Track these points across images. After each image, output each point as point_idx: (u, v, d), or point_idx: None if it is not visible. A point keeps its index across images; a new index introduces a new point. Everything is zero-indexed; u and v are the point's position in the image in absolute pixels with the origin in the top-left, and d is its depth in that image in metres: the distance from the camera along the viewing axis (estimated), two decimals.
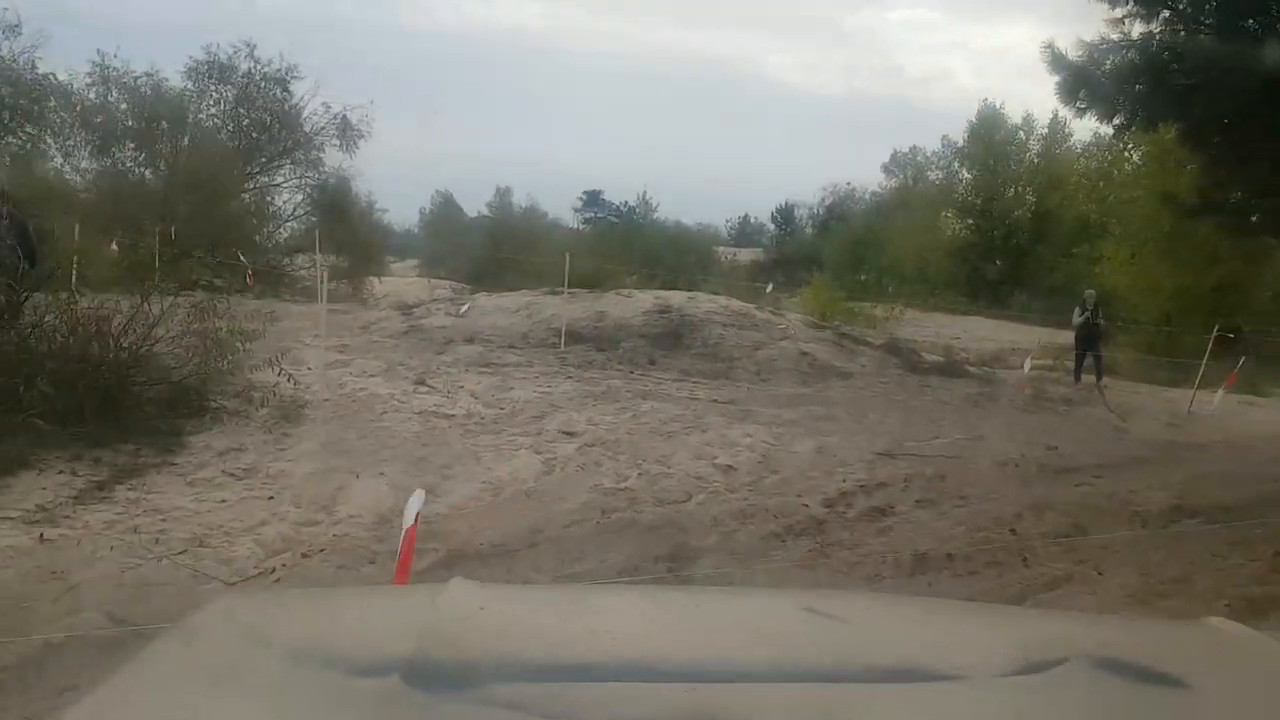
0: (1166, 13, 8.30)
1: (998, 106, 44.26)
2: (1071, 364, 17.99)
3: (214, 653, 1.39)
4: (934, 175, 50.59)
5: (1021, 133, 43.81)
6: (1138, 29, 8.34)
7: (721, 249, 55.04)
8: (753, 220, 76.66)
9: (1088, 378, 16.59)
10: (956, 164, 47.30)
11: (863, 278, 38.85)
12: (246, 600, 1.97)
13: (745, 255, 54.70)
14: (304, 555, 5.84)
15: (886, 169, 55.11)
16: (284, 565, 5.64)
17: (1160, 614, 5.33)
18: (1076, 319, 16.88)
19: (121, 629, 4.66)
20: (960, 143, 46.31)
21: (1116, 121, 8.77)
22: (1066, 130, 42.84)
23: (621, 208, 64.00)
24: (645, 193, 61.20)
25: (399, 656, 1.25)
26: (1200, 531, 7.33)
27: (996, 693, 1.31)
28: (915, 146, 52.90)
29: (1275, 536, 7.11)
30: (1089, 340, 16.74)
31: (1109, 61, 8.16)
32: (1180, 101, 7.82)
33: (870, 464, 8.99)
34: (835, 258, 45.06)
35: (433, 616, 1.49)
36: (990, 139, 43.88)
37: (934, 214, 46.48)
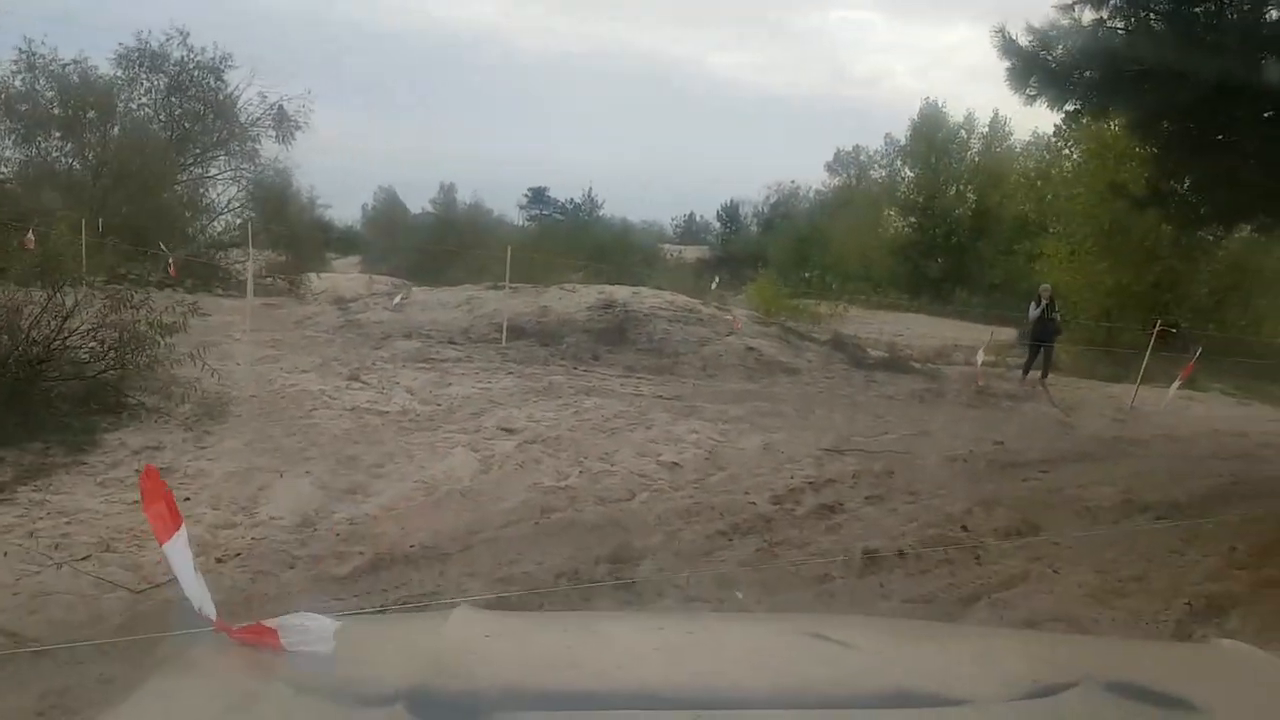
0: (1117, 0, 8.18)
1: (939, 105, 44.64)
2: (1014, 359, 18.00)
3: (219, 683, 1.39)
4: (877, 174, 50.95)
5: (963, 131, 44.24)
6: (1088, 15, 8.21)
7: (667, 246, 55.03)
8: (698, 218, 76.75)
9: (1035, 373, 16.50)
10: (899, 162, 47.60)
11: (807, 275, 39.04)
12: None
13: (691, 253, 54.65)
14: (218, 560, 5.45)
15: (830, 168, 55.42)
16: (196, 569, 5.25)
17: (1120, 612, 5.15)
18: (1032, 313, 16.62)
19: (15, 647, 4.28)
20: (903, 141, 46.62)
21: (1068, 108, 8.64)
22: (1007, 129, 43.41)
23: (567, 205, 63.61)
24: (590, 190, 60.88)
25: (403, 685, 1.23)
26: (1153, 528, 7.21)
27: (1006, 717, 1.29)
28: (859, 145, 53.32)
29: (1229, 532, 7.00)
30: (1043, 335, 16.51)
31: (1059, 48, 8.02)
32: (1132, 89, 7.70)
33: (818, 460, 8.79)
34: (780, 255, 45.21)
35: (437, 644, 1.49)
36: (932, 138, 44.25)
37: (877, 212, 46.82)
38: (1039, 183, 41.27)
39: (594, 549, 5.92)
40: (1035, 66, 8.02)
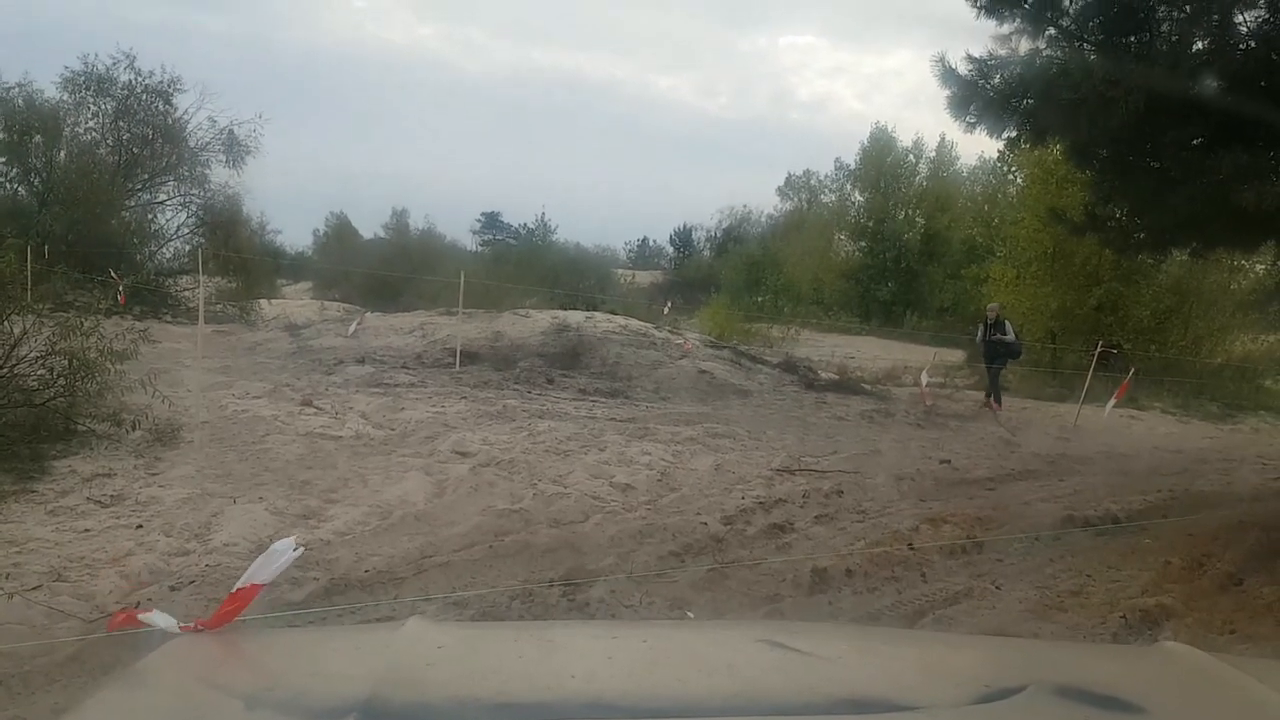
0: (1052, 30, 8.43)
1: (888, 130, 45.38)
2: (962, 380, 18.28)
3: (167, 697, 1.37)
4: (827, 198, 51.62)
5: (911, 156, 44.94)
6: (1025, 45, 8.46)
7: (620, 271, 55.26)
8: (651, 242, 77.31)
9: (1003, 398, 16.62)
10: (849, 186, 48.28)
11: (760, 299, 39.34)
12: (199, 643, 1.82)
13: (644, 277, 54.97)
14: (172, 589, 5.44)
15: (781, 192, 56.09)
16: (149, 600, 5.24)
17: (1059, 626, 5.30)
18: (980, 334, 16.69)
19: None
20: (852, 165, 47.32)
21: (1007, 135, 8.89)
22: (954, 154, 44.16)
23: (520, 230, 63.65)
24: (544, 214, 60.98)
25: (356, 698, 1.22)
26: (1092, 543, 7.41)
27: None
28: (809, 170, 54.08)
29: (1164, 546, 7.22)
30: (990, 355, 16.60)
31: (997, 77, 8.26)
32: (1066, 116, 7.94)
33: (768, 480, 8.92)
34: (732, 279, 45.63)
35: (390, 657, 1.48)
36: (881, 162, 44.97)
37: (827, 236, 47.39)
38: (986, 207, 42.17)
39: (547, 571, 5.98)
40: (974, 95, 8.26)
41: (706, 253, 64.72)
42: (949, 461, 10.44)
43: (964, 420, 14.46)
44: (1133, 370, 15.91)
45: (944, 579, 6.20)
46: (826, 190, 51.96)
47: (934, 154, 44.52)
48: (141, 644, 3.79)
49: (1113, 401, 15.12)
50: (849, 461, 10.15)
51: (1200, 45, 7.42)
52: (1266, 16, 7.24)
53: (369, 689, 1.26)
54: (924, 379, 16.93)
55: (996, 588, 6.02)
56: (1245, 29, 7.43)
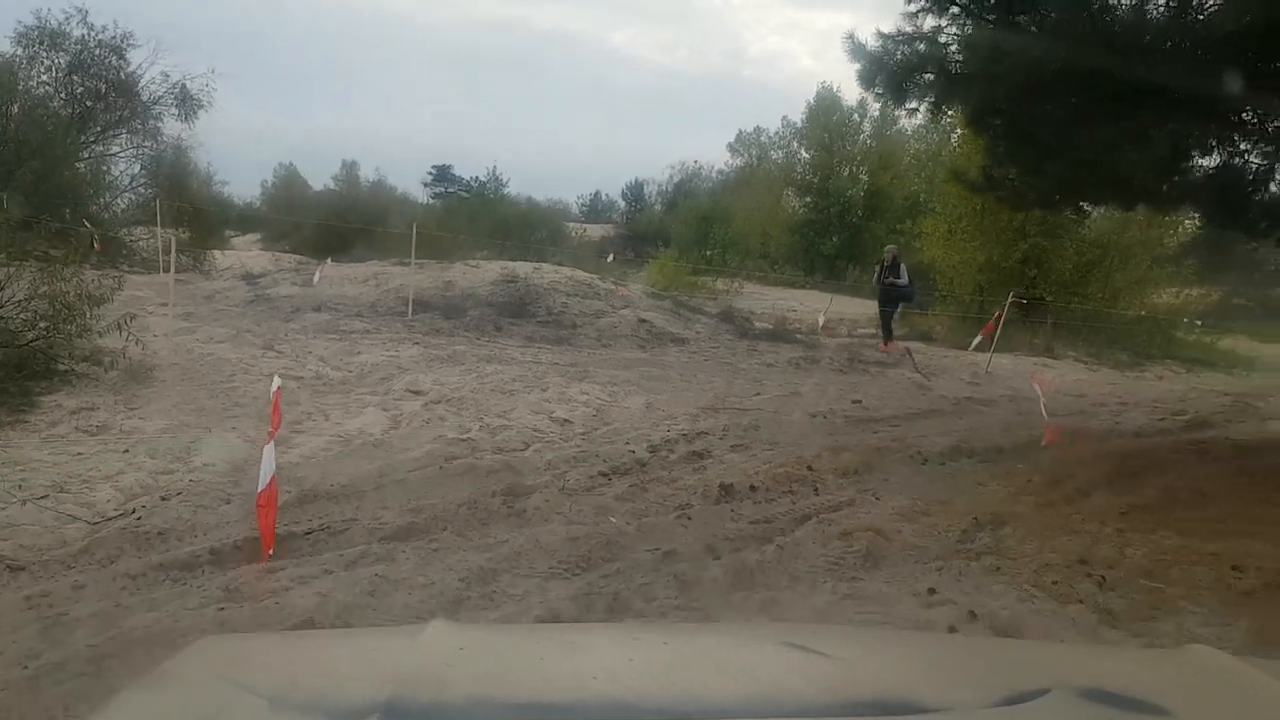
0: (955, 8, 9.32)
1: (834, 89, 46.22)
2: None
3: (191, 698, 1.38)
4: (776, 155, 52.40)
5: (856, 115, 45.83)
6: (930, 22, 9.35)
7: (572, 224, 55.75)
8: (604, 196, 77.68)
9: (903, 342, 17.76)
10: (796, 144, 49.11)
11: (708, 253, 40.11)
12: (223, 644, 1.99)
13: (595, 230, 55.47)
14: (162, 498, 6.27)
15: (732, 148, 56.76)
16: (144, 507, 6.07)
17: (921, 526, 6.29)
18: (875, 278, 17.48)
19: None
20: (799, 124, 48.14)
21: (910, 105, 9.80)
22: (897, 113, 45.02)
23: (472, 183, 63.90)
24: (495, 168, 61.31)
25: (378, 699, 1.25)
26: (973, 468, 8.43)
27: None
28: (759, 127, 54.79)
29: (1033, 469, 8.26)
30: (884, 299, 17.58)
31: (900, 52, 9.14)
32: (961, 89, 8.86)
33: (694, 417, 9.85)
34: (683, 233, 46.25)
35: (412, 658, 1.50)
36: (827, 120, 45.82)
37: (775, 192, 48.26)
38: (929, 164, 43.22)
39: (491, 487, 6.85)
40: (880, 69, 9.14)
41: (658, 207, 65.41)
42: (860, 401, 11.44)
43: (885, 367, 15.49)
44: (997, 314, 17.03)
45: (834, 493, 7.17)
46: (775, 147, 52.88)
47: (878, 113, 45.48)
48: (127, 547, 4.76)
49: (977, 339, 16.55)
50: (771, 402, 11.11)
51: (1074, 25, 8.34)
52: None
53: (391, 690, 1.28)
54: (820, 319, 19.07)
55: (876, 499, 7.01)
56: (1116, 9, 8.36)
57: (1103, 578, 5.29)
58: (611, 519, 6.27)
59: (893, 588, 5.16)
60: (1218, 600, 5.10)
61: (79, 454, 7.04)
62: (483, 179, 61.14)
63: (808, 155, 48.14)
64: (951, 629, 4.53)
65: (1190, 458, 9.35)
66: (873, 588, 5.15)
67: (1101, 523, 6.42)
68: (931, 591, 5.07)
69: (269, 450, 5.43)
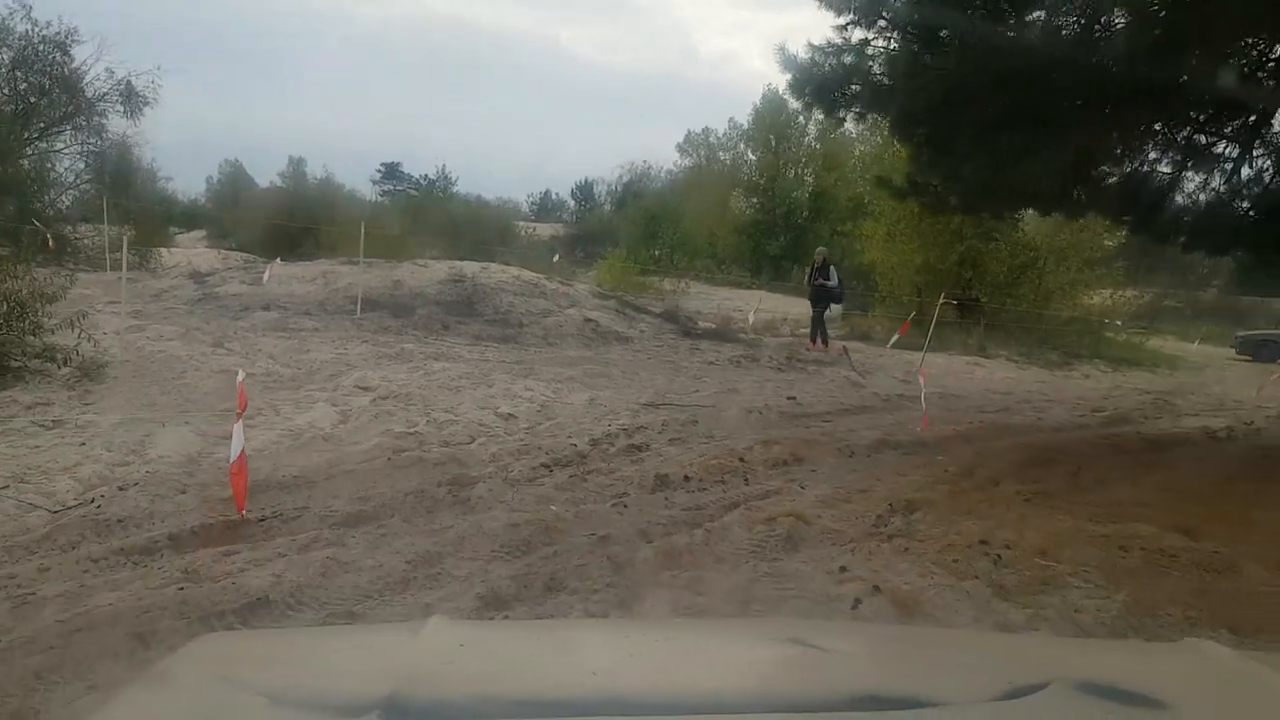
0: (882, 22, 9.82)
1: (780, 92, 46.86)
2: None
3: (191, 696, 1.38)
4: (724, 156, 52.97)
5: (801, 117, 46.51)
6: (858, 35, 9.84)
7: (522, 223, 55.96)
8: (554, 195, 77.91)
9: (837, 343, 18.32)
10: (743, 145, 49.73)
11: (656, 253, 40.54)
12: (222, 642, 2.01)
13: (545, 229, 55.75)
14: (120, 488, 6.53)
15: (681, 148, 57.26)
16: (103, 496, 6.33)
17: (840, 512, 6.74)
18: (806, 279, 18.21)
19: None
20: (746, 125, 48.75)
21: (838, 115, 10.28)
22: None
23: (421, 180, 63.88)
24: (444, 166, 61.39)
25: (377, 695, 1.25)
26: (896, 460, 8.92)
27: (981, 719, 1.32)
28: (708, 128, 55.32)
29: (951, 461, 8.77)
30: (816, 299, 18.16)
31: (829, 64, 9.61)
32: (884, 100, 9.36)
33: (635, 412, 10.26)
34: (631, 233, 46.65)
35: (411, 655, 1.51)
36: (774, 122, 46.46)
37: (723, 193, 48.83)
38: (872, 166, 44.02)
39: (437, 477, 7.20)
40: (809, 79, 9.61)
41: (607, 207, 65.83)
42: (795, 398, 11.93)
43: (823, 365, 16.03)
44: (911, 314, 17.86)
45: (763, 482, 7.61)
46: (723, 149, 53.46)
47: (821, 116, 46.11)
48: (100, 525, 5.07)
49: (896, 336, 17.42)
50: (709, 399, 11.56)
51: (989, 40, 8.87)
52: (1039, 18, 8.72)
53: (390, 687, 1.28)
54: (750, 318, 20.37)
55: (802, 487, 7.45)
56: (1019, 28, 8.90)
57: (999, 556, 5.77)
58: (552, 507, 6.64)
59: (809, 567, 5.59)
60: (1103, 576, 5.59)
61: (36, 447, 7.28)
62: (432, 177, 61.15)
63: (754, 157, 48.81)
64: (857, 601, 4.97)
65: (1102, 450, 9.97)
66: (790, 567, 5.58)
67: (1006, 508, 6.94)
68: (843, 570, 5.51)
69: (238, 428, 5.95)
